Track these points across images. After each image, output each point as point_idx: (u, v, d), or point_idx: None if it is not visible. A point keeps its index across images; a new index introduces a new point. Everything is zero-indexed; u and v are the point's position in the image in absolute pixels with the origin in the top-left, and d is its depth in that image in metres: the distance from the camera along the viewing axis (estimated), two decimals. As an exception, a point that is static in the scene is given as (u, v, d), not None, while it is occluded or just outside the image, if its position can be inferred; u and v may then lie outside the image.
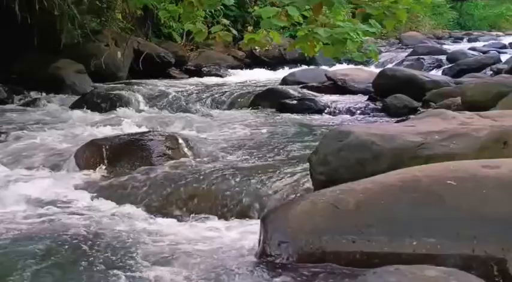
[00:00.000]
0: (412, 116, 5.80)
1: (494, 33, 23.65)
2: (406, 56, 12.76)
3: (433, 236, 2.37)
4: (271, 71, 11.92)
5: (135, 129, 5.83)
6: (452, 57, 11.37)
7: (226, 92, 8.58)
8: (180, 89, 8.97)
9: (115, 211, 3.58)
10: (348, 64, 11.23)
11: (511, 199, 2.41)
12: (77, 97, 8.31)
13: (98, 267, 2.68)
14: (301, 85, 8.68)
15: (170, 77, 11.08)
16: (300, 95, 7.86)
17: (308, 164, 3.39)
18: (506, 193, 2.44)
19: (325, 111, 7.35)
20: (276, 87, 8.71)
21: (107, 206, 3.70)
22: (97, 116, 7.19)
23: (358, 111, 7.26)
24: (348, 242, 2.45)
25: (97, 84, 9.58)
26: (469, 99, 5.84)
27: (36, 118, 7.05)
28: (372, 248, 2.41)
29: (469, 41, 18.70)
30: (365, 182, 2.72)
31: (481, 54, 11.71)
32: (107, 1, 10.37)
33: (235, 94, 8.42)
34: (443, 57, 11.75)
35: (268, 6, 4.41)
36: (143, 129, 5.77)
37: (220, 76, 11.55)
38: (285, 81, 9.52)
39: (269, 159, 4.61)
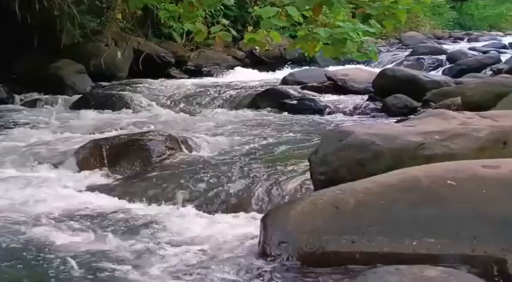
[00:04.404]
0: (412, 116, 5.81)
1: (494, 33, 23.64)
2: (406, 56, 12.76)
3: (433, 236, 2.37)
4: (271, 71, 11.91)
5: (135, 129, 5.84)
6: (452, 57, 11.37)
7: (226, 92, 8.58)
8: (180, 89, 8.97)
9: (115, 210, 3.58)
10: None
11: (511, 199, 2.41)
12: (77, 97, 8.32)
13: (96, 265, 2.68)
14: (301, 85, 8.67)
15: (170, 77, 11.07)
16: (300, 95, 7.86)
17: (308, 164, 3.38)
18: (506, 193, 2.44)
19: (325, 111, 7.35)
20: (276, 87, 8.71)
21: (107, 205, 3.70)
22: (97, 116, 7.20)
23: (358, 111, 7.26)
24: (348, 242, 2.45)
25: (97, 84, 9.60)
26: (469, 99, 5.84)
27: (36, 118, 7.05)
28: (372, 248, 2.41)
29: (469, 41, 18.69)
30: (365, 182, 2.72)
31: (481, 54, 11.71)
32: (107, 1, 10.37)
33: (235, 94, 8.42)
34: (443, 57, 11.75)
35: (268, 6, 4.41)
36: (143, 129, 5.77)
37: (220, 76, 11.54)
38: (285, 81, 9.52)
39: (269, 159, 4.60)
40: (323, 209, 2.59)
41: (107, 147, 4.57)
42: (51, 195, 3.84)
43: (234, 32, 4.90)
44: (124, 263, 2.73)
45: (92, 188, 4.07)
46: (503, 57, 10.91)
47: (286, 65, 12.50)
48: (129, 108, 7.68)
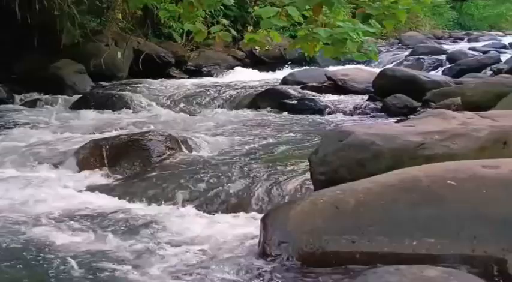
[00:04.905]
0: (412, 116, 5.81)
1: (494, 33, 23.63)
2: (406, 56, 12.76)
3: (433, 236, 2.37)
4: (271, 71, 11.92)
5: (135, 129, 5.84)
6: (452, 57, 11.37)
7: (226, 92, 8.58)
8: (180, 89, 8.97)
9: (115, 210, 3.58)
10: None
11: (511, 199, 2.41)
12: (77, 97, 8.32)
13: (96, 265, 2.68)
14: (301, 85, 8.67)
15: (170, 77, 11.07)
16: (300, 95, 7.86)
17: (308, 163, 3.38)
18: (506, 193, 2.44)
19: (325, 111, 7.35)
20: (276, 87, 8.71)
21: (107, 205, 3.70)
22: (97, 116, 7.20)
23: (358, 111, 7.26)
24: (348, 242, 2.45)
25: (97, 84, 9.60)
26: (469, 99, 5.84)
27: (36, 118, 7.05)
28: (372, 248, 2.41)
29: (469, 41, 18.69)
30: (365, 182, 2.72)
31: (481, 54, 11.71)
32: (107, 1, 10.38)
33: (235, 94, 8.43)
34: (443, 57, 11.75)
35: (268, 6, 4.41)
36: (143, 129, 5.78)
37: (220, 76, 11.55)
38: (285, 81, 9.52)
39: (269, 159, 4.60)
40: (323, 209, 2.59)
41: (107, 147, 4.58)
42: (51, 195, 3.84)
43: (234, 32, 4.90)
44: (124, 263, 2.73)
45: (92, 188, 4.07)
46: (503, 57, 10.91)
47: (286, 65, 12.50)
48: (129, 108, 7.68)
